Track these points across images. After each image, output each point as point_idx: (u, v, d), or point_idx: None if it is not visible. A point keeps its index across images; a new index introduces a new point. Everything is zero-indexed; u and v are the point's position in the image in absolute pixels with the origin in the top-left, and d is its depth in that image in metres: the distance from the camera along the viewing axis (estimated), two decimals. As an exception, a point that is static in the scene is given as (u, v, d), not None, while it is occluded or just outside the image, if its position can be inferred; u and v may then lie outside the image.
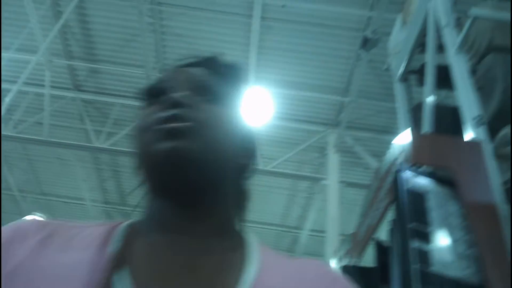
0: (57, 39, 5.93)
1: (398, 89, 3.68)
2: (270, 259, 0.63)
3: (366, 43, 4.61)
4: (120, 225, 0.65)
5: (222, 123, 0.64)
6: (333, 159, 6.00)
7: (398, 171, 1.96)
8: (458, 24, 2.82)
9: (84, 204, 8.59)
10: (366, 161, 6.29)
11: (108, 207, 8.88)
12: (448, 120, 2.78)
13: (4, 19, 5.66)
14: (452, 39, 2.69)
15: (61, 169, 8.02)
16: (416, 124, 3.42)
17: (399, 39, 3.61)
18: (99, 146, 6.20)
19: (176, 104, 0.61)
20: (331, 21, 5.16)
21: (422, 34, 3.31)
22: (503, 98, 2.40)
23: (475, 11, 2.45)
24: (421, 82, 3.55)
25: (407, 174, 1.91)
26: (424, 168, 1.98)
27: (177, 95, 0.62)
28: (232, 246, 0.63)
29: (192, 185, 0.61)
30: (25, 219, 0.64)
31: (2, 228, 0.61)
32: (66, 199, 8.67)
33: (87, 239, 0.61)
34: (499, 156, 2.27)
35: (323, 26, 5.22)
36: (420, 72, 3.54)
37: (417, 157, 1.91)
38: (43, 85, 6.29)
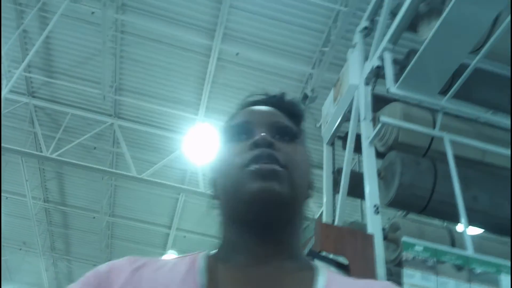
0: (17, 47, 6.02)
1: (326, 152, 4.22)
2: (336, 277, 0.69)
3: (305, 99, 5.14)
4: (199, 256, 0.69)
5: (300, 163, 0.69)
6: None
7: (308, 253, 2.45)
8: (374, 118, 3.38)
9: (24, 200, 8.58)
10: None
11: (48, 205, 8.92)
12: (360, 185, 3.32)
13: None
14: (367, 132, 3.23)
15: (4, 165, 7.97)
16: (336, 185, 3.98)
17: (330, 111, 4.14)
18: (47, 155, 6.31)
19: (268, 145, 0.67)
20: (277, 71, 5.65)
21: (349, 112, 3.86)
22: (398, 191, 2.96)
23: (383, 119, 3.00)
24: (345, 147, 4.11)
25: (315, 257, 2.40)
26: (327, 253, 2.49)
27: (268, 136, 0.68)
28: (301, 267, 0.68)
29: (277, 221, 0.66)
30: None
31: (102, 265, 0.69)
32: (7, 194, 8.62)
33: (175, 270, 0.66)
34: (389, 240, 2.84)
35: (269, 73, 5.70)
36: (344, 139, 4.10)
37: (322, 245, 2.41)
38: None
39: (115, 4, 5.28)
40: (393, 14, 3.67)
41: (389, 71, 3.11)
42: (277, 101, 0.79)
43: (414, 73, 3.00)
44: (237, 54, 5.46)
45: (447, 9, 2.66)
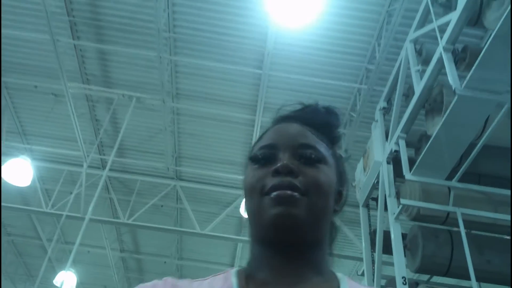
0: (91, 133, 6.99)
1: (362, 213, 4.77)
2: (357, 286, 0.71)
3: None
4: (231, 273, 0.73)
5: (323, 186, 0.70)
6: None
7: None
8: (398, 193, 3.92)
9: (104, 252, 9.59)
10: (344, 231, 7.39)
11: (124, 255, 9.90)
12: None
13: (55, 117, 6.72)
14: (392, 208, 3.78)
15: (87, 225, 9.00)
16: (373, 244, 4.51)
17: (361, 179, 4.70)
18: (124, 221, 7.22)
19: (289, 173, 0.68)
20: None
21: (377, 182, 4.41)
22: (422, 261, 3.49)
23: (404, 201, 3.55)
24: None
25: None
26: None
27: (288, 164, 0.69)
28: (326, 279, 0.70)
29: (297, 242, 0.69)
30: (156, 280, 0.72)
31: (140, 285, 0.70)
32: (89, 248, 9.66)
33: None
34: (418, 304, 3.37)
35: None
36: (377, 199, 4.64)
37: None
38: (80, 165, 7.33)
39: (171, 94, 6.12)
40: (405, 96, 4.24)
41: (404, 158, 3.66)
42: (307, 115, 0.80)
43: (425, 161, 3.54)
44: (277, 125, 6.14)
45: (445, 115, 3.21)
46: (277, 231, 0.68)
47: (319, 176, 0.71)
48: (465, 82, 2.91)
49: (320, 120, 0.80)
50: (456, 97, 2.92)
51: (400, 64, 4.18)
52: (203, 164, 7.26)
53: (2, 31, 5.39)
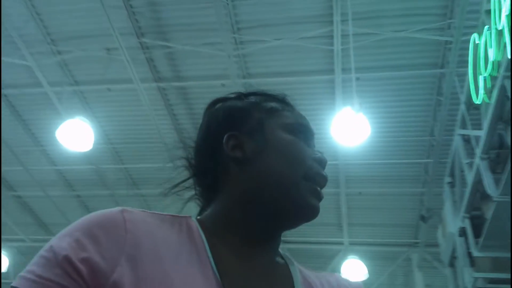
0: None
1: (448, 273, 5.52)
2: (303, 269, 0.79)
3: (423, 219, 6.48)
4: (193, 223, 0.71)
5: None
6: (418, 277, 7.72)
7: None
8: (472, 261, 4.67)
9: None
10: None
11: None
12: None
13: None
14: (467, 277, 4.55)
15: None
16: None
17: (442, 243, 5.46)
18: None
19: (323, 168, 0.76)
20: (395, 197, 7.11)
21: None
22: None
23: (476, 274, 4.32)
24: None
25: None
26: None
27: (327, 161, 0.77)
28: (281, 259, 0.77)
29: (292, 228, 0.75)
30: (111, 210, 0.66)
31: (93, 213, 0.65)
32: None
33: (176, 232, 0.68)
34: None
35: (389, 200, 7.18)
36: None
37: None
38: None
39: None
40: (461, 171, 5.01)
41: (470, 236, 4.44)
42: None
43: (488, 239, 4.29)
44: (360, 193, 7.09)
45: (490, 215, 3.98)
46: (303, 218, 0.73)
47: None
48: (500, 189, 3.71)
49: None
50: (495, 204, 3.73)
51: (454, 152, 4.98)
52: (303, 233, 8.33)
53: (134, 164, 7.06)
